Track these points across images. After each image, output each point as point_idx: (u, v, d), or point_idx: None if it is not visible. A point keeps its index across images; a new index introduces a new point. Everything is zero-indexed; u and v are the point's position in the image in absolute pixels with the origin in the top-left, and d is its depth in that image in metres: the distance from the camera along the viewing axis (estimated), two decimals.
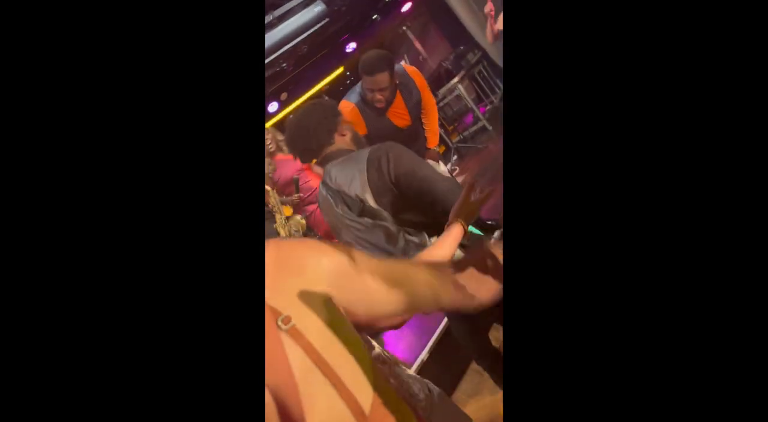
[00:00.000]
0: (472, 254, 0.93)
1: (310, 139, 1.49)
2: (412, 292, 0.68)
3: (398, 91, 2.38)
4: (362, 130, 2.38)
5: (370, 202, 1.40)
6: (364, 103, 2.36)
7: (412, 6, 6.10)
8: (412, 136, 2.55)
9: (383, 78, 2.21)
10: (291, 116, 1.67)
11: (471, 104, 5.28)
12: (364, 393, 0.50)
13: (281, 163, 3.28)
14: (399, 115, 2.45)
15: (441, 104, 5.50)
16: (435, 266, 0.88)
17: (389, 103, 2.36)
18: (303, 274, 0.53)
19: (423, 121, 2.63)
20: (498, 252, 1.01)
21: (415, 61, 5.84)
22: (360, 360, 0.52)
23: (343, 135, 1.53)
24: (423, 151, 2.64)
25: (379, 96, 2.28)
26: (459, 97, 5.50)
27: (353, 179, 1.41)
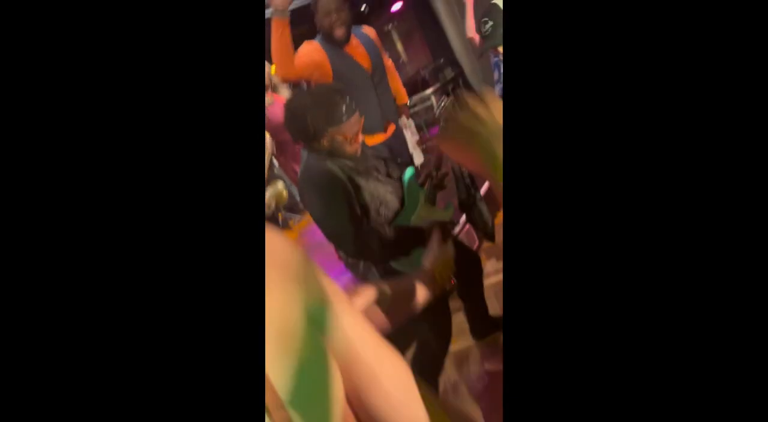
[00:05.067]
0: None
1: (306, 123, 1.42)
2: None
3: (352, 35, 2.45)
4: (328, 73, 2.39)
5: None
6: (324, 38, 2.39)
7: (402, 7, 6.10)
8: (382, 85, 2.56)
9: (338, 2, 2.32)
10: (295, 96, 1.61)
11: (440, 116, 5.30)
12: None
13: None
14: (359, 54, 2.47)
15: (411, 111, 5.53)
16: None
17: (347, 31, 2.39)
18: None
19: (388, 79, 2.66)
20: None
21: (394, 63, 5.90)
22: None
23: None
24: (392, 107, 2.67)
25: (335, 16, 2.31)
26: (430, 107, 5.54)
27: None
